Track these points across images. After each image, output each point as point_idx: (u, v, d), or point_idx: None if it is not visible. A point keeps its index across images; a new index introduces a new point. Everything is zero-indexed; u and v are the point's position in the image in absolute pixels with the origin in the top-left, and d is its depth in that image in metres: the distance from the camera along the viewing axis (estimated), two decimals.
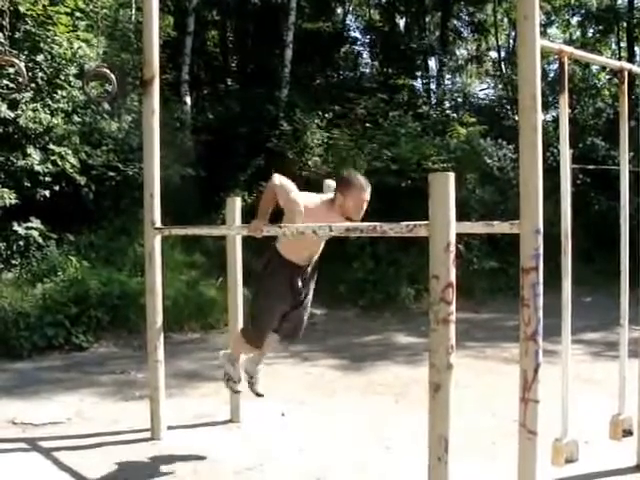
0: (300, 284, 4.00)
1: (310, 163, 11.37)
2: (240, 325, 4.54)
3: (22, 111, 8.83)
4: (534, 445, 2.58)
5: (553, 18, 20.82)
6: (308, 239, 3.75)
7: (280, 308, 4.00)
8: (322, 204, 3.83)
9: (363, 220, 3.86)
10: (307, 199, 3.82)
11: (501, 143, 12.61)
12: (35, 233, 8.67)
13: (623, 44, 19.11)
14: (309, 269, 4.06)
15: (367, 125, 12.74)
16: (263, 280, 4.00)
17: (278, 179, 3.80)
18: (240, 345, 4.19)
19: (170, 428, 4.44)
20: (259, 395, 4.22)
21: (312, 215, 3.69)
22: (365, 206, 3.82)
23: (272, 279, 3.92)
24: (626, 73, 3.58)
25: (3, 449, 4.11)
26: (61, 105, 9.53)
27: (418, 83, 19.01)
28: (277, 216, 3.87)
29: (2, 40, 7.52)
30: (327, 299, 9.74)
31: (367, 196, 3.79)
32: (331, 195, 3.87)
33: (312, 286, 4.16)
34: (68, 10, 9.92)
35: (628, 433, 3.63)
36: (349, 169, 4.28)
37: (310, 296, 4.19)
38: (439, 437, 2.55)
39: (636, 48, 18.30)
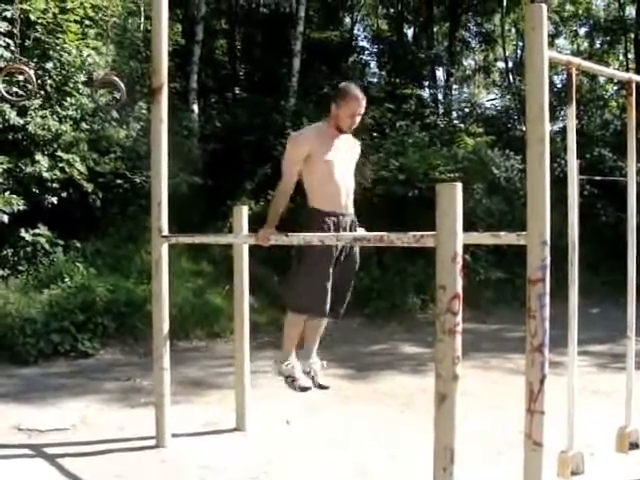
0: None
1: None
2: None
3: (31, 118, 8.87)
4: (539, 456, 2.57)
5: (561, 29, 20.88)
6: (334, 174, 3.71)
7: (329, 260, 3.78)
8: (324, 128, 3.83)
9: (370, 230, 3.86)
10: (308, 134, 3.87)
11: (508, 154, 12.58)
12: (42, 239, 8.68)
13: (631, 55, 19.13)
14: (348, 220, 3.89)
15: (374, 134, 12.74)
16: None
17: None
18: (291, 330, 3.94)
19: (175, 435, 4.43)
20: (323, 387, 4.06)
21: (321, 140, 3.71)
22: (358, 120, 3.77)
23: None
24: (634, 85, 3.58)
25: (8, 455, 4.11)
26: (70, 112, 9.57)
27: (426, 93, 19.03)
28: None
29: (12, 48, 7.56)
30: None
31: (361, 109, 3.73)
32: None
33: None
34: (77, 18, 9.98)
35: (634, 446, 3.61)
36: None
37: (356, 249, 4.03)
38: (444, 447, 2.55)
39: None
